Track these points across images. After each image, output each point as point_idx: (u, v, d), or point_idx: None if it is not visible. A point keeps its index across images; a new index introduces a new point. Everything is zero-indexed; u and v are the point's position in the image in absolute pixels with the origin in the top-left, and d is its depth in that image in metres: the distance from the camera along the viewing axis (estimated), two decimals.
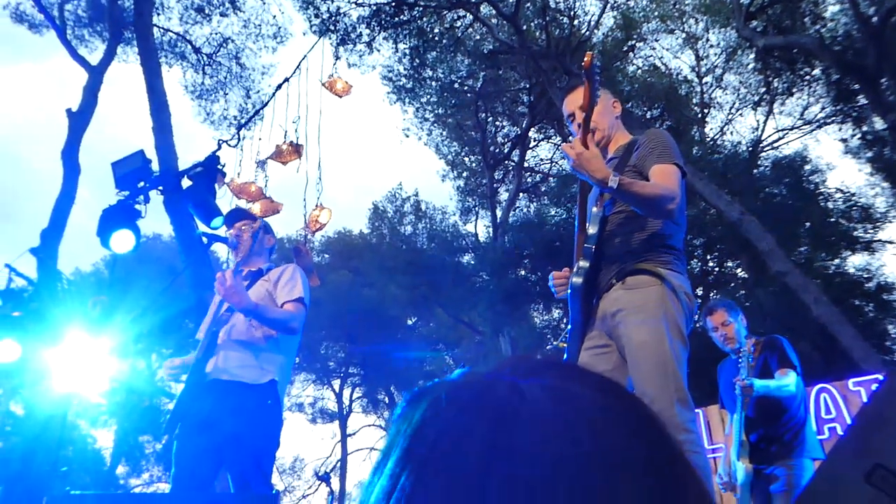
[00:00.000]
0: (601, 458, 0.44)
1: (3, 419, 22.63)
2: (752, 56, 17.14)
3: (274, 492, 2.22)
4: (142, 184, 8.23)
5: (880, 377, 6.76)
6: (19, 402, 22.12)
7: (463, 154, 21.88)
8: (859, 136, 16.92)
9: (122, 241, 7.35)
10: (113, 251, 7.52)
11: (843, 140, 17.35)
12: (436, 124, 20.77)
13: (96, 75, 13.73)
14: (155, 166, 8.87)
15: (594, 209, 2.70)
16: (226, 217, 3.74)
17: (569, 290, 2.66)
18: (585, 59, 2.48)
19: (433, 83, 18.81)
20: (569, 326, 2.78)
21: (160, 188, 9.29)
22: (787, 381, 3.96)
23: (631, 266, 2.62)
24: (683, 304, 2.60)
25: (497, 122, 21.36)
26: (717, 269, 18.24)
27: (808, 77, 16.60)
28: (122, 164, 8.15)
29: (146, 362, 23.89)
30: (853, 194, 17.40)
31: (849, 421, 6.66)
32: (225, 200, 7.76)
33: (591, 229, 2.64)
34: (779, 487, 3.90)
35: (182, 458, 3.23)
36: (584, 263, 2.64)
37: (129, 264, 20.47)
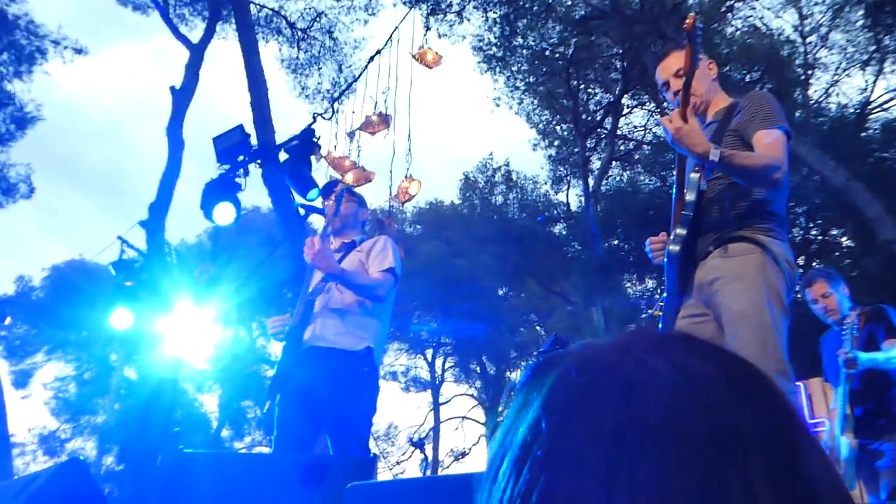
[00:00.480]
0: (730, 436, 0.44)
1: (119, 384, 24.04)
2: (861, 12, 16.17)
3: (371, 455, 2.32)
4: (241, 157, 8.53)
5: None
6: (133, 367, 23.45)
7: (554, 123, 21.58)
8: None
9: (224, 213, 7.67)
10: (215, 223, 7.86)
11: None
12: (526, 93, 20.53)
13: (197, 53, 14.21)
14: (253, 140, 9.19)
15: (693, 175, 2.63)
16: (322, 188, 3.84)
17: (665, 259, 2.62)
18: (688, 20, 2.44)
19: (524, 51, 18.59)
20: (664, 295, 2.75)
21: (258, 161, 9.61)
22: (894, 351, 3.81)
23: (730, 233, 2.56)
24: (785, 273, 2.53)
25: (589, 90, 20.95)
26: (820, 237, 17.50)
27: None
28: (223, 139, 8.47)
29: (247, 331, 24.85)
30: None
31: None
32: (320, 173, 7.96)
33: (689, 196, 2.58)
34: (886, 463, 3.77)
35: (283, 422, 3.38)
36: (681, 231, 2.59)
37: (231, 236, 21.25)
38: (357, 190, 4.31)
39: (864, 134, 16.20)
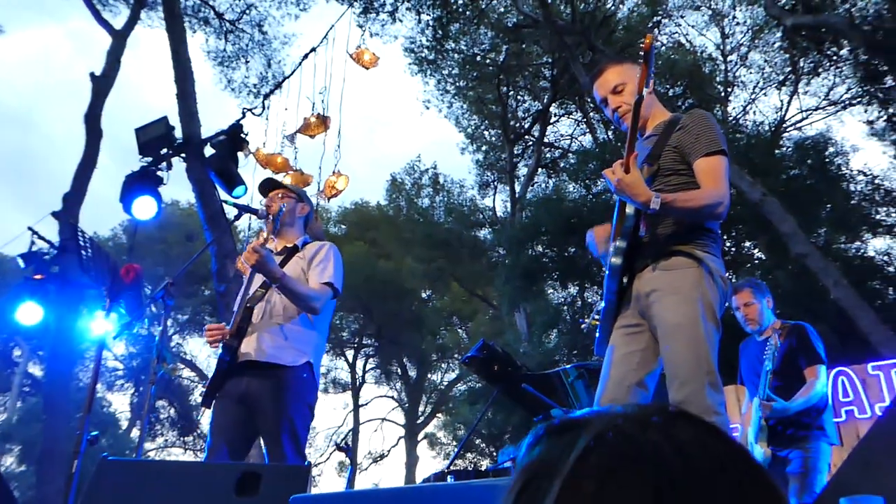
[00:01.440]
0: None
1: (22, 381, 22.99)
2: (779, 34, 16.87)
3: (306, 463, 2.27)
4: (165, 150, 8.27)
5: None
6: (38, 364, 22.48)
7: (483, 128, 21.75)
8: (885, 117, 16.64)
9: (145, 206, 7.41)
10: (134, 217, 7.58)
11: (869, 122, 17.08)
12: (456, 97, 20.64)
13: (120, 39, 13.71)
14: (178, 133, 8.92)
15: None
16: (260, 185, 3.71)
17: (606, 271, 2.64)
18: (646, 40, 2.44)
19: (455, 55, 18.67)
20: (601, 304, 2.78)
21: (183, 155, 9.33)
22: (819, 384, 3.97)
23: (668, 247, 2.59)
24: (719, 287, 2.59)
25: (518, 97, 21.20)
26: (734, 249, 18.14)
27: (835, 57, 16.31)
28: (146, 131, 8.19)
29: (162, 328, 24.12)
30: (876, 177, 17.21)
31: (867, 404, 6.65)
32: (248, 170, 7.78)
33: (630, 209, 2.61)
34: (795, 469, 3.91)
35: (217, 430, 3.29)
36: (621, 243, 2.62)
37: (148, 230, 20.61)
38: None
39: (777, 151, 16.86)
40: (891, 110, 16.24)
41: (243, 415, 3.29)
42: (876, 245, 16.80)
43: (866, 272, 14.71)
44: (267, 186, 3.72)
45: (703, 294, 2.51)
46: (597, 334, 2.81)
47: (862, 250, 16.30)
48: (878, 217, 16.78)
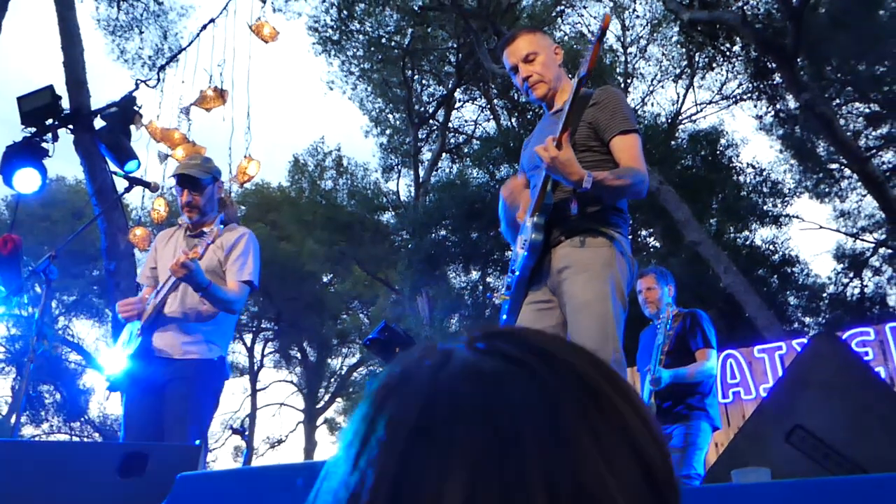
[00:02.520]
0: (509, 441, 0.44)
1: None
2: (676, 29, 17.44)
3: (197, 443, 2.19)
4: (50, 121, 7.82)
5: (783, 345, 7.13)
6: None
7: (387, 111, 21.60)
8: (773, 113, 17.50)
9: (27, 180, 6.99)
10: (16, 191, 7.14)
11: (758, 117, 17.92)
12: (361, 79, 20.41)
13: (1, 1, 12.87)
14: (65, 104, 8.45)
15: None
16: (179, 178, 3.46)
17: (526, 247, 2.62)
18: (605, 19, 2.42)
19: (360, 36, 18.45)
20: (509, 279, 2.77)
21: (70, 127, 8.85)
22: (708, 364, 4.17)
23: (583, 225, 2.60)
24: (629, 267, 2.64)
25: (423, 81, 21.13)
26: (630, 237, 18.70)
27: (728, 53, 17.00)
28: (30, 100, 7.72)
29: (43, 303, 22.99)
30: (764, 170, 18.10)
31: (752, 386, 7.00)
32: (142, 143, 7.45)
33: (539, 183, 2.61)
34: (675, 443, 4.08)
35: (131, 418, 3.28)
36: (540, 220, 2.62)
37: (31, 206, 19.55)
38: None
39: (673, 142, 17.47)
40: (778, 106, 17.08)
41: (153, 403, 3.25)
42: (763, 234, 17.73)
43: (753, 260, 15.48)
44: (182, 184, 3.48)
45: (613, 273, 2.55)
46: (503, 310, 2.81)
47: (750, 239, 17.15)
48: (765, 207, 17.67)
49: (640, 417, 0.49)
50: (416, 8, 17.19)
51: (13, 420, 22.76)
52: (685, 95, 19.14)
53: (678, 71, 18.68)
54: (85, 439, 24.87)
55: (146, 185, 3.69)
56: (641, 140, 2.69)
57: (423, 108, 21.12)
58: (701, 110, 19.26)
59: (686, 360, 4.20)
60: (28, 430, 24.29)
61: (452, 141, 21.77)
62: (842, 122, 14.96)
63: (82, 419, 25.05)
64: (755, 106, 17.93)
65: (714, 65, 17.87)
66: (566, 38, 18.47)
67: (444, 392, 0.47)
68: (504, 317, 2.82)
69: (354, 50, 19.17)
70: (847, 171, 17.01)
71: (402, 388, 0.49)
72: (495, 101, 19.63)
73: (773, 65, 14.01)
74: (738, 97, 18.36)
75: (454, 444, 0.44)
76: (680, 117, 18.97)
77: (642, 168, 2.60)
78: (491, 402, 0.45)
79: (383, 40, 18.76)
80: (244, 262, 3.43)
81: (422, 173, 20.43)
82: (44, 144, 7.40)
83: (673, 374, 4.07)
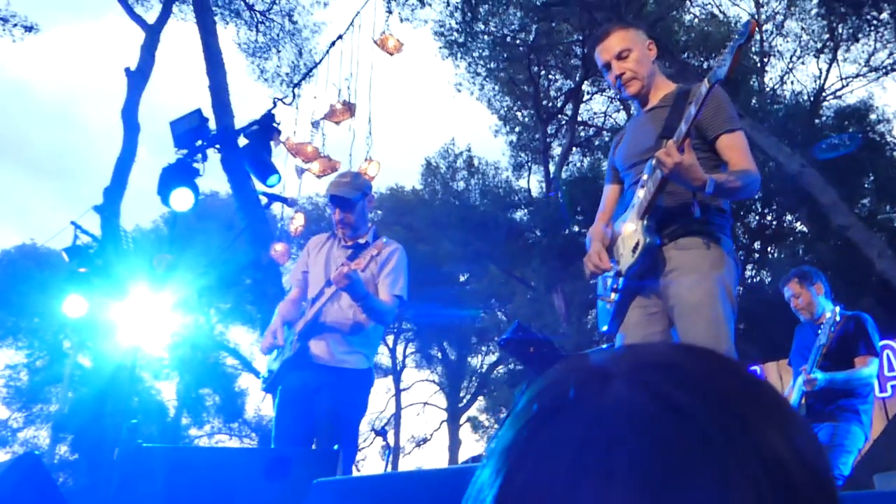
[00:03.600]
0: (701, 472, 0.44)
1: (73, 371, 23.59)
2: (815, 1, 16.46)
3: (335, 447, 2.33)
4: (199, 142, 8.37)
5: None
6: (87, 355, 23.02)
7: (515, 109, 21.59)
8: None
9: (182, 198, 7.51)
10: (172, 209, 7.70)
11: None
12: (488, 79, 20.50)
13: (153, 34, 13.89)
14: (212, 125, 9.03)
15: (653, 161, 2.54)
16: (333, 199, 3.65)
17: (641, 250, 2.57)
18: (752, 26, 2.34)
19: (485, 37, 18.53)
20: (615, 282, 2.73)
21: (217, 146, 9.44)
22: (867, 371, 3.97)
23: (687, 226, 2.56)
24: (735, 268, 2.59)
25: (550, 76, 20.98)
26: (774, 223, 17.81)
27: (875, 21, 15.85)
28: (181, 123, 8.29)
29: (206, 318, 24.52)
30: None
31: None
32: (280, 158, 7.85)
33: (651, 184, 2.56)
34: (822, 440, 3.89)
35: (281, 420, 3.52)
36: (651, 223, 2.59)
37: (188, 222, 20.89)
38: (322, 177, 4.22)
39: (817, 121, 16.50)
40: None
41: (304, 406, 3.46)
42: None
43: None
44: (334, 203, 3.66)
45: (721, 275, 2.51)
46: (607, 313, 2.78)
47: None
48: None
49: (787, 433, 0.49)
50: (540, 4, 17.09)
51: (183, 422, 24.36)
52: (828, 70, 18.01)
53: (819, 45, 17.59)
54: (243, 439, 26.36)
55: (284, 200, 3.93)
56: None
57: (550, 104, 20.96)
58: (847, 85, 18.07)
59: (845, 365, 4.01)
60: (193, 431, 26.03)
61: (582, 134, 21.49)
62: None
63: (240, 420, 26.56)
64: None
65: (860, 35, 16.70)
66: (696, 20, 17.83)
67: (601, 437, 0.46)
68: (605, 323, 2.80)
69: (480, 51, 19.29)
70: None
71: (553, 419, 0.48)
72: (604, 87, 19.23)
73: None
74: (889, 68, 17.10)
75: (609, 485, 0.44)
76: (824, 94, 17.87)
77: (754, 167, 2.56)
78: (644, 447, 0.45)
79: (508, 39, 18.77)
80: (396, 277, 3.60)
81: (552, 169, 20.30)
82: (195, 164, 7.94)
83: (829, 378, 3.90)
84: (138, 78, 13.17)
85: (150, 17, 14.55)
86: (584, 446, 0.45)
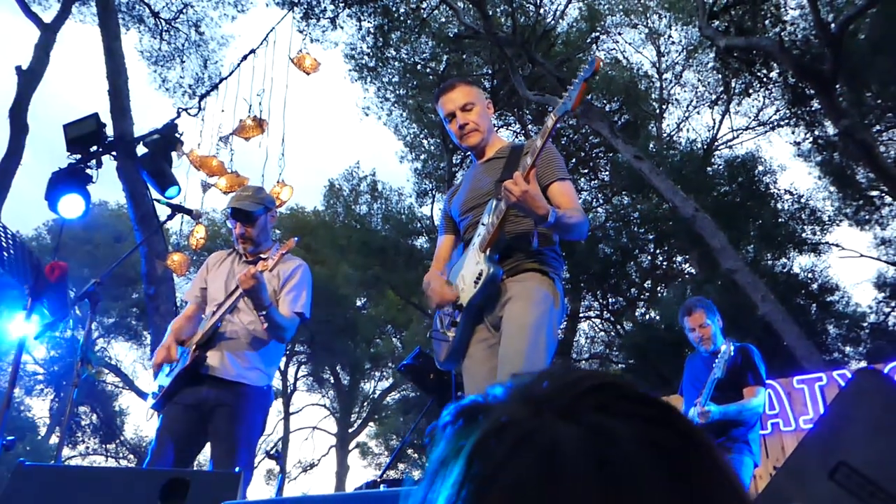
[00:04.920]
0: None
1: None
2: (712, 55, 17.38)
3: (237, 470, 2.22)
4: (95, 148, 8.01)
5: (823, 376, 6.98)
6: None
7: (422, 136, 21.74)
8: (811, 139, 17.32)
9: (72, 205, 7.14)
10: (61, 215, 7.30)
11: (796, 143, 17.75)
12: (396, 105, 20.59)
13: (50, 33, 13.26)
14: (109, 131, 8.66)
15: (494, 202, 2.75)
16: (234, 211, 3.53)
17: (484, 280, 2.67)
18: (597, 63, 2.50)
19: (396, 63, 18.64)
20: (447, 316, 2.85)
21: (114, 154, 9.06)
22: (756, 402, 4.13)
23: (526, 264, 2.73)
24: (563, 308, 2.79)
25: None
26: (665, 263, 18.53)
27: (765, 79, 16.88)
28: (75, 127, 7.92)
29: (87, 329, 23.36)
30: (802, 196, 17.87)
31: (792, 417, 6.86)
32: (182, 170, 7.60)
33: (495, 218, 2.69)
34: None
35: (166, 435, 3.29)
36: (493, 254, 2.72)
37: (74, 231, 19.96)
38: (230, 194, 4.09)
39: (709, 168, 17.34)
40: (816, 132, 16.89)
41: (196, 422, 3.29)
42: (801, 262, 17.47)
43: (791, 288, 15.23)
44: (236, 217, 3.56)
45: (550, 308, 2.66)
46: (443, 349, 2.87)
47: (788, 267, 16.90)
48: (803, 235, 17.43)
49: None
50: (451, 35, 17.35)
51: (51, 440, 23.03)
52: (721, 121, 19.06)
53: (714, 97, 18.61)
54: (120, 461, 25.12)
55: (188, 212, 3.77)
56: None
57: None
58: (737, 136, 19.15)
59: (735, 395, 4.14)
60: (65, 452, 24.61)
61: None
62: (882, 148, 14.73)
63: (118, 441, 25.32)
64: (793, 132, 17.78)
65: (751, 91, 17.76)
66: (601, 64, 18.49)
67: (563, 486, 0.47)
68: (445, 357, 2.87)
69: (390, 76, 19.37)
70: (888, 199, 16.73)
71: (511, 464, 0.49)
72: (530, 126, 19.69)
73: (812, 91, 13.88)
74: (776, 123, 18.23)
75: None
76: (716, 143, 18.86)
77: (583, 214, 2.75)
78: (612, 485, 0.46)
79: (419, 67, 18.94)
80: (298, 293, 3.51)
81: None
82: (88, 171, 7.58)
83: (722, 411, 4.02)
84: (30, 77, 12.53)
85: (48, 17, 13.90)
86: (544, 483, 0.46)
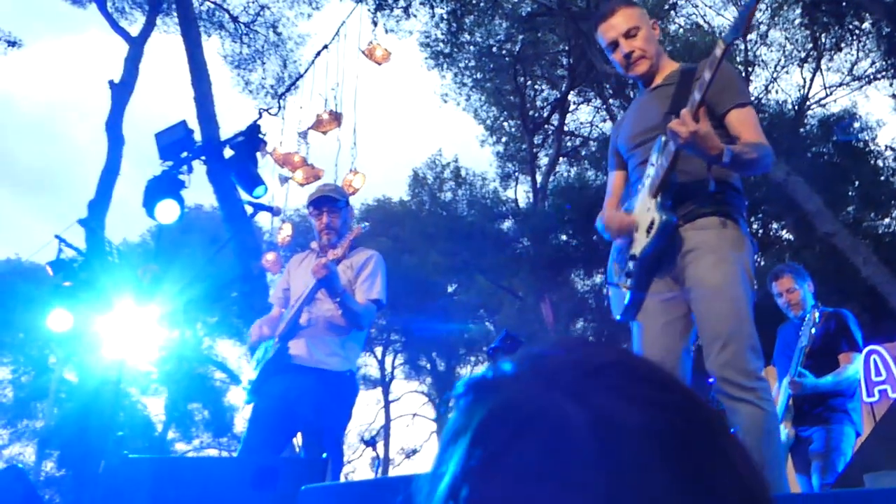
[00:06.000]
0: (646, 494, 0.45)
1: (58, 386, 23.37)
2: (799, 11, 16.60)
3: (324, 456, 2.29)
4: (185, 154, 8.32)
5: None
6: (72, 369, 22.82)
7: (502, 119, 21.65)
8: None
9: (167, 211, 7.45)
10: (158, 221, 7.64)
11: (894, 96, 16.81)
12: (474, 89, 20.56)
13: (137, 46, 13.85)
14: (197, 136, 8.99)
15: (663, 139, 2.49)
16: (314, 201, 3.65)
17: (657, 231, 2.45)
18: None
19: (471, 48, 18.60)
20: (624, 267, 2.62)
21: (203, 158, 9.40)
22: (851, 369, 3.96)
23: (704, 207, 2.48)
24: (753, 248, 2.53)
25: (536, 86, 21.06)
26: (761, 231, 17.91)
27: (857, 31, 16.02)
28: (166, 135, 8.24)
29: (192, 331, 24.35)
30: None
31: None
32: (267, 170, 7.82)
33: (663, 160, 2.47)
34: (818, 447, 3.88)
35: (256, 427, 3.42)
36: (666, 200, 2.49)
37: (174, 234, 20.78)
38: (306, 186, 4.21)
39: (802, 129, 16.64)
40: None
41: (284, 412, 3.39)
42: None
43: None
44: (322, 204, 3.66)
45: (740, 255, 2.44)
46: (627, 298, 2.65)
47: (892, 226, 16.07)
48: None
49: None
50: (525, 14, 17.18)
51: (169, 437, 24.19)
52: (812, 79, 18.17)
53: (803, 54, 17.76)
54: (232, 453, 26.15)
55: (269, 209, 3.90)
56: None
57: (537, 114, 21.04)
58: (831, 94, 18.24)
59: (829, 363, 3.98)
60: (180, 447, 25.83)
61: (569, 144, 21.56)
62: None
63: (229, 434, 26.36)
64: (891, 84, 16.81)
65: (843, 45, 16.87)
66: (681, 30, 17.95)
67: (565, 449, 0.47)
68: (619, 311, 2.69)
69: (466, 61, 19.35)
70: None
71: (508, 451, 0.49)
72: (610, 100, 19.31)
73: None
74: (872, 77, 17.28)
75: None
76: (808, 103, 18.03)
77: (765, 140, 2.50)
78: (612, 455, 0.46)
79: (494, 49, 18.84)
80: (373, 281, 3.58)
81: (539, 179, 20.35)
82: (181, 177, 7.89)
83: (815, 384, 3.88)
84: (122, 90, 13.12)
85: (134, 30, 14.52)
86: (548, 462, 0.46)
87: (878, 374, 6.67)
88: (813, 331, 3.92)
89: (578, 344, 0.56)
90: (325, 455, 2.30)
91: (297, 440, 3.63)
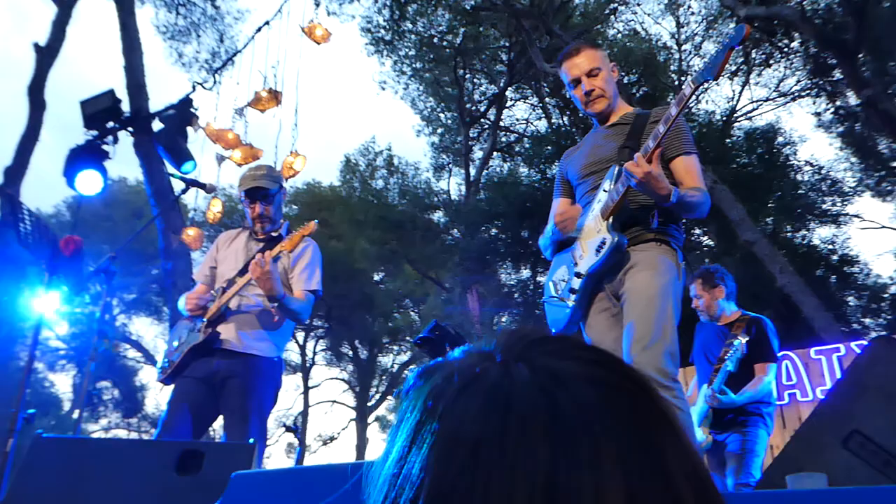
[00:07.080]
0: (583, 446, 0.46)
1: None
2: (732, 25, 17.09)
3: (252, 441, 2.24)
4: (111, 124, 8.03)
5: (841, 347, 6.93)
6: None
7: (439, 110, 21.66)
8: (832, 110, 17.08)
9: (90, 181, 7.16)
10: (79, 192, 7.34)
11: (817, 114, 17.51)
12: (413, 78, 20.50)
13: (66, 9, 13.26)
14: (125, 107, 8.68)
15: (617, 169, 2.72)
16: (250, 191, 3.54)
17: (607, 248, 2.66)
18: (746, 30, 2.41)
19: (412, 36, 18.53)
20: (566, 283, 2.80)
21: (130, 129, 9.09)
22: (766, 380, 4.07)
23: (648, 233, 2.70)
24: (684, 279, 2.74)
25: (475, 80, 21.14)
26: (683, 235, 18.35)
27: (786, 49, 16.62)
28: (91, 103, 7.93)
29: (103, 303, 23.59)
30: (822, 167, 17.65)
31: (809, 388, 6.83)
32: (198, 144, 7.61)
33: (616, 186, 2.69)
34: (733, 449, 4.02)
35: (177, 407, 3.31)
36: (616, 224, 2.69)
37: (93, 207, 20.09)
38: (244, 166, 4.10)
39: (728, 140, 17.15)
40: (838, 103, 16.64)
41: (207, 394, 3.32)
42: (821, 234, 17.31)
43: (811, 260, 15.11)
44: (254, 196, 3.57)
45: (675, 278, 2.64)
46: (565, 317, 2.81)
47: (807, 238, 16.75)
48: (823, 206, 17.25)
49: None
50: (468, 7, 17.19)
51: (75, 415, 23.46)
52: (741, 93, 18.78)
53: (734, 68, 18.32)
54: (142, 435, 25.49)
55: (202, 186, 3.78)
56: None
57: (474, 107, 21.12)
58: (757, 108, 18.88)
59: (746, 371, 4.11)
60: (88, 427, 25.03)
61: (504, 139, 21.72)
62: None
63: (139, 415, 25.68)
64: (814, 103, 17.55)
65: (771, 61, 17.50)
66: (619, 35, 18.26)
67: (516, 409, 0.49)
68: (560, 326, 2.83)
69: (406, 50, 19.26)
70: None
71: (462, 399, 0.51)
72: (547, 99, 19.52)
73: (834, 60, 13.65)
74: (797, 94, 17.97)
75: (526, 455, 0.46)
76: (735, 115, 18.61)
77: (706, 188, 2.74)
78: (560, 415, 0.48)
79: (435, 40, 18.81)
80: (311, 272, 3.54)
81: (472, 172, 20.43)
82: (105, 147, 7.60)
83: (731, 400, 3.99)
84: (47, 54, 12.55)
85: None
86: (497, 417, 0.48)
87: (788, 378, 6.95)
88: (739, 356, 4.04)
89: (515, 328, 0.60)
90: (252, 441, 2.24)
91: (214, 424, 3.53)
